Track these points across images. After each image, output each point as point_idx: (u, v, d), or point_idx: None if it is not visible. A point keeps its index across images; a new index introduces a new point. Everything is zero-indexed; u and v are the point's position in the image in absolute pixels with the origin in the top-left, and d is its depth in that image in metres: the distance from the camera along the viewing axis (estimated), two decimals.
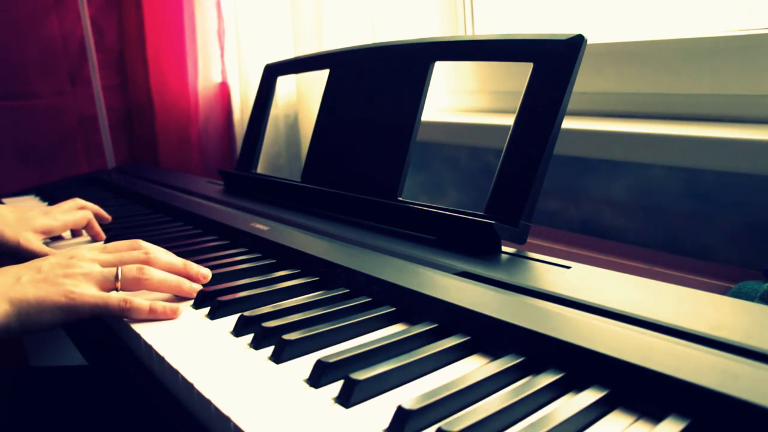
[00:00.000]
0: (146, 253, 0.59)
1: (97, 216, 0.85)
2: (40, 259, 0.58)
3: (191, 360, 0.44)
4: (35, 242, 0.75)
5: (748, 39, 0.74)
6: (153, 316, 0.52)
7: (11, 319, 0.51)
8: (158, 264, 0.58)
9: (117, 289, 0.55)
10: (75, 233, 0.85)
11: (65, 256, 0.57)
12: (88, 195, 1.12)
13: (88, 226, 0.82)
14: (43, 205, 1.08)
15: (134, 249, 0.60)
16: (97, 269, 0.55)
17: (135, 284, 0.55)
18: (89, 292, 0.53)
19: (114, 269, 0.55)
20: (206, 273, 0.58)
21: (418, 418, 0.33)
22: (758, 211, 0.70)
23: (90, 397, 0.73)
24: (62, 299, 0.52)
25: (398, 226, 0.68)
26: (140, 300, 0.52)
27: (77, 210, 0.83)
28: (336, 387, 0.38)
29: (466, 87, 1.09)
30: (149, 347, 0.47)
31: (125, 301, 0.52)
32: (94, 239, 0.82)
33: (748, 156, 0.65)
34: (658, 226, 0.79)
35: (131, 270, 0.56)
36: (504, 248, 0.58)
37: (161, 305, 0.52)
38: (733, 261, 0.73)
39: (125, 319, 0.52)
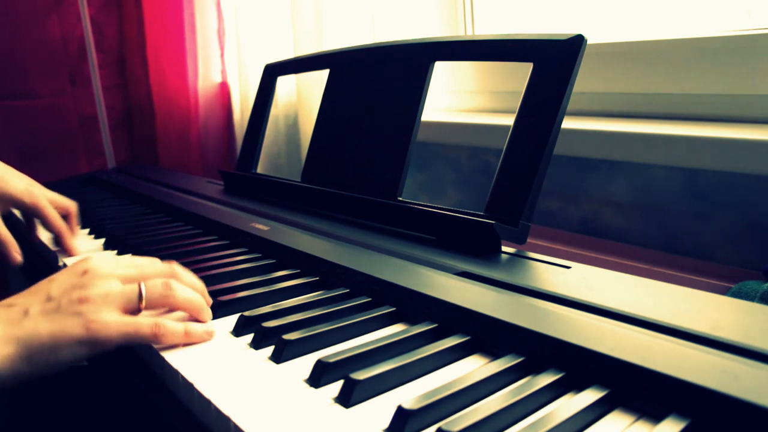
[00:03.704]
0: (169, 265, 0.52)
1: (59, 208, 0.79)
2: (48, 280, 0.49)
3: (191, 360, 0.44)
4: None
5: (748, 39, 0.74)
6: (188, 341, 0.46)
7: (19, 364, 0.43)
8: (183, 280, 0.51)
9: (140, 310, 0.47)
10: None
11: (77, 273, 0.48)
12: (88, 195, 1.12)
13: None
14: None
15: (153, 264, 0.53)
16: (117, 288, 0.47)
17: (161, 302, 0.48)
18: (113, 320, 0.45)
19: (136, 286, 0.48)
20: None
21: (418, 418, 0.33)
22: (758, 211, 0.70)
23: (90, 397, 0.73)
24: (82, 332, 0.44)
25: (398, 226, 0.68)
26: (174, 323, 0.46)
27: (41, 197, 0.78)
28: (336, 387, 0.38)
29: (466, 87, 1.09)
30: (149, 347, 0.47)
31: (157, 325, 0.45)
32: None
33: (748, 156, 0.65)
34: (658, 226, 0.79)
35: (156, 286, 0.48)
36: (504, 248, 0.58)
37: (197, 328, 0.46)
38: (733, 261, 0.73)
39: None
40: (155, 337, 0.45)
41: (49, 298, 0.46)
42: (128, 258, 0.53)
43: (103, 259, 0.51)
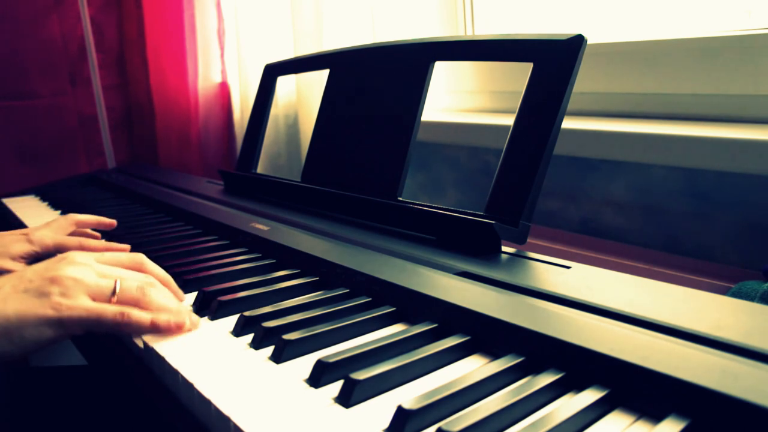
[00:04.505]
0: (147, 276, 0.52)
1: (99, 226, 0.76)
2: (29, 267, 0.50)
3: (191, 360, 0.44)
4: (15, 267, 0.65)
5: (748, 39, 0.74)
6: (155, 331, 0.46)
7: None
8: (156, 285, 0.51)
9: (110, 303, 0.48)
10: None
11: (55, 260, 0.50)
12: (88, 195, 1.12)
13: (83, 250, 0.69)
14: (44, 205, 1.08)
15: (136, 266, 0.53)
16: (91, 275, 0.48)
17: (135, 303, 0.48)
18: (80, 303, 0.45)
19: (111, 282, 0.48)
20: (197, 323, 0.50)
21: (418, 418, 0.33)
22: (758, 211, 0.70)
23: (90, 397, 0.73)
24: (48, 312, 0.44)
25: (398, 226, 0.68)
26: (140, 313, 0.46)
27: (67, 228, 0.73)
28: (336, 387, 0.38)
29: (466, 87, 1.09)
30: (149, 347, 0.47)
31: (122, 314, 0.45)
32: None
33: (748, 156, 0.65)
34: (658, 226, 0.79)
35: (131, 288, 0.48)
36: (504, 248, 0.58)
37: (165, 319, 0.46)
38: (733, 261, 0.73)
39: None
40: (118, 326, 0.45)
41: (21, 279, 0.47)
42: (109, 254, 0.54)
43: (84, 252, 0.52)
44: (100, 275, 0.49)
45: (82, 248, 0.68)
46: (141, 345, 0.48)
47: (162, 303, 0.49)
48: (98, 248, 0.67)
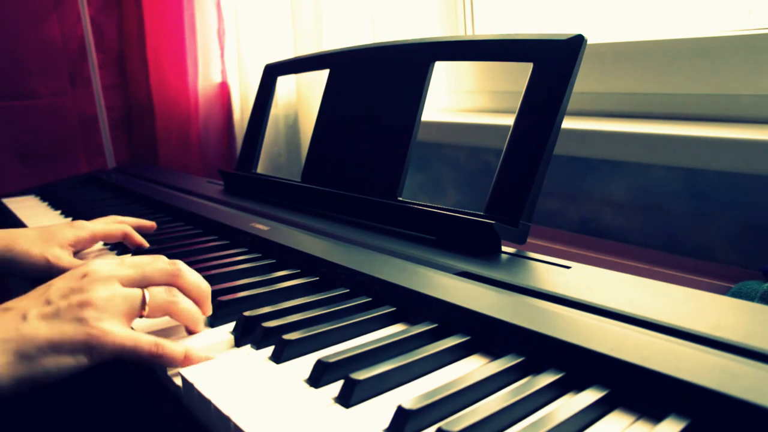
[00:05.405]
0: (173, 263, 0.49)
1: (138, 228, 0.76)
2: (47, 285, 0.46)
3: None
4: (65, 257, 0.66)
5: (748, 39, 0.74)
6: (188, 365, 0.43)
7: (17, 372, 0.40)
8: (187, 280, 0.49)
9: (142, 317, 0.47)
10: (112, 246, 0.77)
11: (76, 276, 0.46)
12: (88, 195, 1.12)
13: (126, 240, 0.72)
14: (44, 205, 1.08)
15: (167, 277, 0.49)
16: (120, 292, 0.45)
17: (164, 309, 0.47)
18: (115, 330, 0.43)
19: (139, 292, 0.46)
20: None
21: (418, 418, 0.33)
22: (758, 211, 0.70)
23: (90, 396, 0.73)
24: (82, 338, 0.42)
25: (398, 226, 0.68)
26: (174, 345, 0.44)
27: (112, 222, 0.74)
28: (336, 387, 0.38)
29: (466, 87, 1.09)
30: None
31: (157, 345, 0.43)
32: (136, 252, 0.71)
33: (748, 156, 0.65)
34: (658, 226, 0.79)
35: (160, 293, 0.47)
36: (504, 248, 0.58)
37: (196, 352, 0.44)
38: (733, 261, 0.73)
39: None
40: (152, 358, 0.43)
41: (48, 302, 0.44)
42: (129, 258, 0.50)
43: (103, 261, 0.49)
44: (126, 282, 0.47)
45: (128, 238, 0.72)
46: None
47: (188, 306, 0.48)
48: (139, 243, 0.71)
